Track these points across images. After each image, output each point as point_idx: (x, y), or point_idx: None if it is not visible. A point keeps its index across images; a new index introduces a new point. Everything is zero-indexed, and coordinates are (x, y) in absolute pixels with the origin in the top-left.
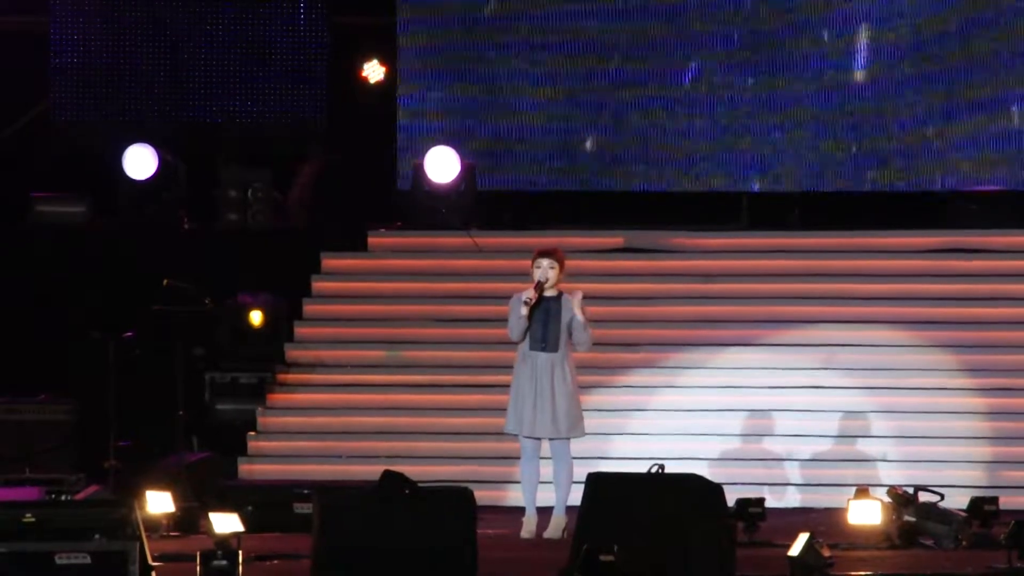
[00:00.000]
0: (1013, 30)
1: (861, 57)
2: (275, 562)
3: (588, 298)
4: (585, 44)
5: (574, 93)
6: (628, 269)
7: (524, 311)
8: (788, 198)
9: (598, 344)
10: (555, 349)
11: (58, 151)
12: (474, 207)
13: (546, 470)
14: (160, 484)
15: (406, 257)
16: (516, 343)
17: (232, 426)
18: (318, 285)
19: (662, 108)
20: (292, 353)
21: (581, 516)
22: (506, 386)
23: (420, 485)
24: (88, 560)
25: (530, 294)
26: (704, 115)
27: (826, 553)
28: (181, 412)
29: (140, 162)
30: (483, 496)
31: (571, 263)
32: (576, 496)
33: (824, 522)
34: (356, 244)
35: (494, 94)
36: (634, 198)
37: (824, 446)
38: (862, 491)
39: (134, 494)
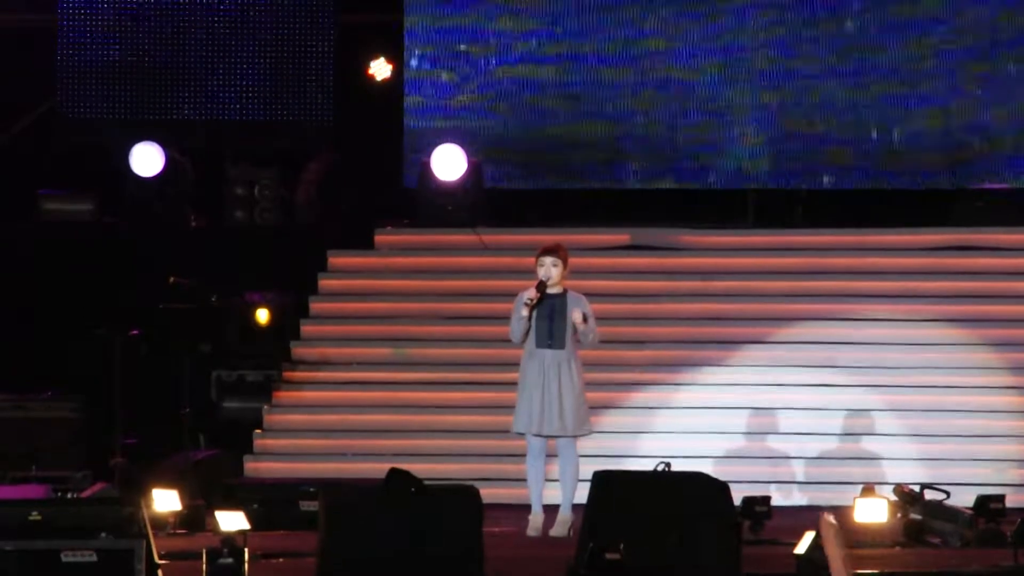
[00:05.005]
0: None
1: (866, 54)
2: (281, 560)
3: (594, 295)
4: (590, 43)
5: (581, 91)
6: (634, 267)
7: (525, 312)
8: (793, 195)
9: (604, 342)
10: (562, 346)
11: (65, 148)
12: (480, 205)
13: (552, 468)
14: (166, 482)
15: (413, 255)
16: (516, 345)
17: (238, 424)
18: (324, 283)
19: (668, 106)
20: (298, 351)
21: (587, 514)
22: (513, 384)
23: (426, 483)
24: (94, 558)
25: (531, 294)
26: (710, 111)
27: None
28: (187, 410)
29: (147, 159)
30: (489, 494)
31: (577, 260)
32: (582, 494)
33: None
34: (363, 242)
35: (500, 92)
36: (640, 195)
37: (830, 444)
38: (868, 489)
39: (140, 492)
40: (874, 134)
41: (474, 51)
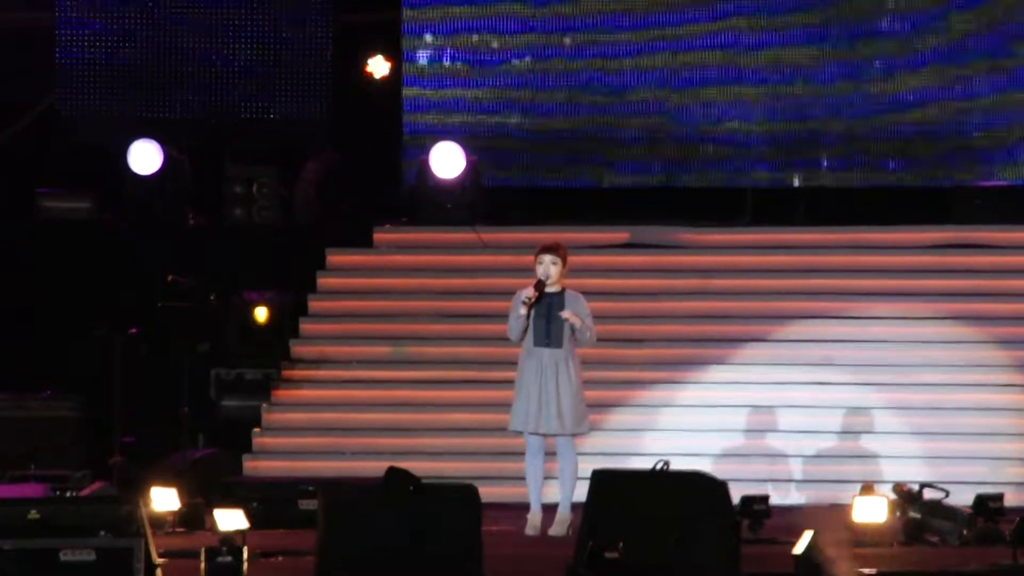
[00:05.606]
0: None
1: (867, 55)
2: (280, 558)
3: (592, 293)
4: (591, 43)
5: (579, 90)
6: (633, 265)
7: (523, 310)
8: (793, 193)
9: (602, 340)
10: (559, 345)
11: (63, 147)
12: (479, 203)
13: (551, 466)
14: (165, 480)
15: (411, 253)
16: (514, 343)
17: (237, 422)
18: (323, 281)
19: (669, 105)
20: (297, 349)
21: (586, 513)
22: (511, 382)
23: (425, 482)
24: (93, 557)
25: (529, 293)
26: (710, 111)
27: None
28: (186, 408)
29: (145, 158)
30: (488, 493)
31: (576, 259)
32: (581, 493)
33: (829, 519)
34: (361, 240)
35: (499, 90)
36: (639, 194)
37: (829, 442)
38: (867, 488)
39: (139, 490)
40: (872, 131)
41: (473, 49)
